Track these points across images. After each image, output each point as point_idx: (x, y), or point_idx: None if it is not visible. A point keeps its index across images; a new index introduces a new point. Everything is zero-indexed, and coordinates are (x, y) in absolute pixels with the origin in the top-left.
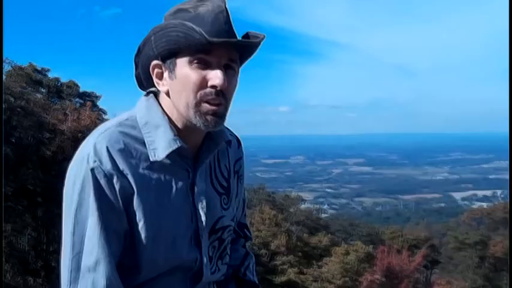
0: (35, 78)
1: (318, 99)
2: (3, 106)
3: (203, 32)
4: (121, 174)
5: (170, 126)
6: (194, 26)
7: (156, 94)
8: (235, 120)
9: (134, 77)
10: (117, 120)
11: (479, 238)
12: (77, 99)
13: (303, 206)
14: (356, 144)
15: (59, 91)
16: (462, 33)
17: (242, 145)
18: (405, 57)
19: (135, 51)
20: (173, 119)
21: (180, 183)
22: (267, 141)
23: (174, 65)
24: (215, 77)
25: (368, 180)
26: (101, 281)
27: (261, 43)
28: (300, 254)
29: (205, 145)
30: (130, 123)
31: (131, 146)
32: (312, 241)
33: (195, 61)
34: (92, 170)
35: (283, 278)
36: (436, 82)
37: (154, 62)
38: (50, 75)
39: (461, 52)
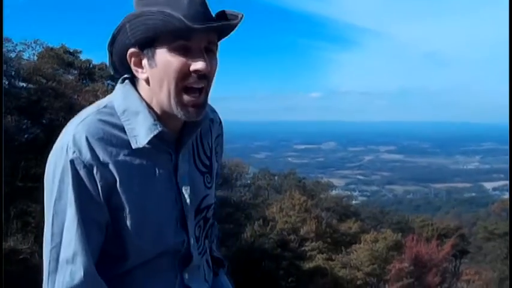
0: (66, 59)
1: (349, 85)
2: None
3: (182, 18)
4: (101, 164)
5: (149, 112)
6: (173, 13)
7: (132, 80)
8: (267, 105)
9: (109, 65)
10: (95, 107)
11: (508, 229)
12: (109, 82)
13: (333, 193)
14: (387, 132)
15: (90, 73)
16: (496, 24)
17: (222, 122)
18: (438, 47)
19: (109, 39)
20: (152, 105)
21: (162, 167)
22: (298, 126)
23: (154, 52)
24: (197, 61)
25: (399, 168)
26: (79, 272)
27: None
28: (328, 240)
29: (187, 126)
30: (108, 111)
31: (111, 134)
32: (342, 228)
33: (176, 47)
34: (71, 161)
35: (312, 264)
36: (468, 72)
37: (132, 50)
38: (82, 57)
39: (495, 42)
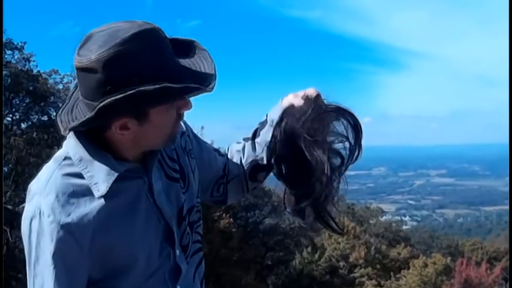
0: None
1: (399, 109)
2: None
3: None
4: (79, 222)
5: (104, 155)
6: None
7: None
8: None
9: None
10: (55, 163)
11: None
12: None
13: (383, 218)
14: (438, 155)
15: None
16: None
17: (183, 120)
18: (487, 67)
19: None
20: (117, 146)
21: (138, 194)
22: None
23: (148, 114)
24: (187, 105)
25: (450, 192)
26: None
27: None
28: (378, 266)
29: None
30: (69, 162)
31: (78, 185)
32: (391, 253)
33: (175, 104)
34: (49, 226)
35: None
36: None
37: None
38: None
39: None
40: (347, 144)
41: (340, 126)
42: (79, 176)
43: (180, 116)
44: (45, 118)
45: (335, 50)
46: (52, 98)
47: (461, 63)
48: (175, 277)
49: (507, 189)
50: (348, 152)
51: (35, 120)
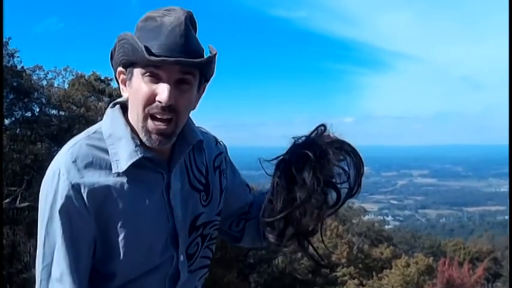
0: (97, 87)
1: (383, 110)
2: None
3: (143, 49)
4: (90, 186)
5: (132, 137)
6: (138, 42)
7: (125, 104)
8: (299, 130)
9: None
10: (85, 133)
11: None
12: None
13: (366, 218)
14: (421, 156)
15: None
16: None
17: (220, 142)
18: (473, 70)
19: (109, 56)
20: (137, 128)
21: (154, 186)
22: None
23: (131, 74)
24: (161, 92)
25: (432, 192)
26: None
27: (212, 60)
28: (360, 265)
29: (178, 145)
30: (97, 136)
31: (99, 158)
32: (373, 253)
33: (147, 74)
34: (61, 184)
35: None
36: (504, 95)
37: (119, 68)
38: (113, 84)
39: None
40: (346, 180)
41: (342, 163)
42: (104, 150)
43: (154, 95)
44: (28, 114)
45: (320, 50)
46: (36, 94)
47: (446, 65)
48: (174, 282)
49: (489, 190)
50: (346, 189)
51: (18, 116)
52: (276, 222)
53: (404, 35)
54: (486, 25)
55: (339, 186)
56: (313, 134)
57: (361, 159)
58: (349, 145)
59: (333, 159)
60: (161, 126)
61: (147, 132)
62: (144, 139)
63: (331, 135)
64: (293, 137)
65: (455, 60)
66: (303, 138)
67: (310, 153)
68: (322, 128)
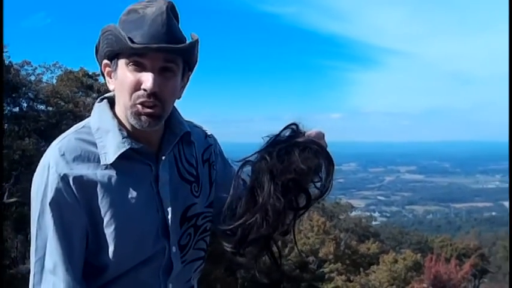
0: (86, 82)
1: (371, 106)
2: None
3: (126, 39)
4: (79, 178)
5: (119, 130)
6: (121, 31)
7: (112, 98)
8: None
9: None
10: (74, 128)
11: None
12: None
13: (353, 214)
14: (409, 152)
15: None
16: None
17: (210, 135)
18: (462, 66)
19: (94, 49)
20: (124, 120)
21: (142, 178)
22: None
23: (116, 65)
24: (146, 80)
25: (420, 188)
26: (61, 284)
27: (194, 46)
28: (347, 261)
29: (166, 138)
30: (86, 130)
31: (88, 151)
32: (361, 249)
33: (131, 63)
34: (51, 177)
35: (331, 286)
36: (493, 90)
37: (105, 61)
38: (102, 80)
39: None
40: (317, 183)
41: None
42: (92, 144)
43: (140, 83)
44: (16, 109)
45: (309, 46)
46: (24, 89)
47: (435, 61)
48: (167, 273)
49: (477, 186)
50: (316, 191)
51: (6, 112)
52: (235, 229)
53: (393, 31)
54: (476, 21)
55: (309, 188)
56: (281, 134)
57: (330, 159)
58: (318, 144)
59: (297, 161)
60: (149, 110)
61: (136, 114)
62: (133, 122)
63: (302, 135)
64: (266, 136)
65: (444, 55)
66: (272, 138)
67: (266, 156)
68: (294, 126)
